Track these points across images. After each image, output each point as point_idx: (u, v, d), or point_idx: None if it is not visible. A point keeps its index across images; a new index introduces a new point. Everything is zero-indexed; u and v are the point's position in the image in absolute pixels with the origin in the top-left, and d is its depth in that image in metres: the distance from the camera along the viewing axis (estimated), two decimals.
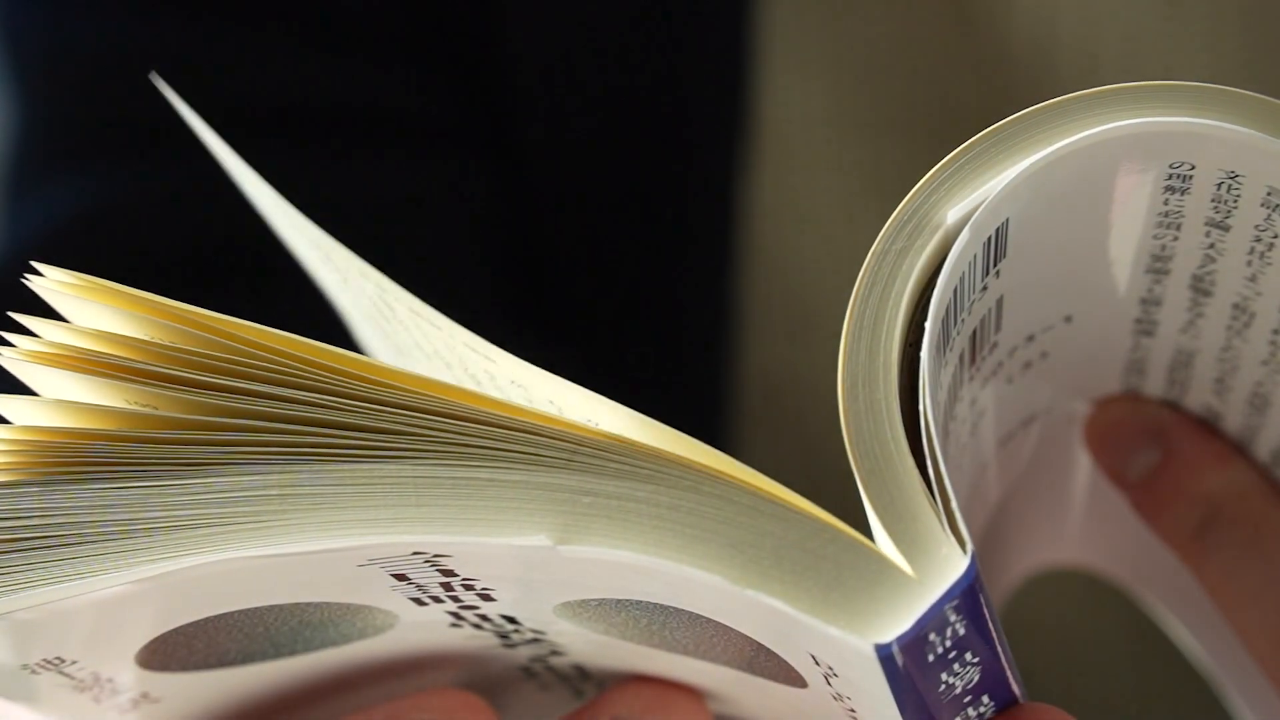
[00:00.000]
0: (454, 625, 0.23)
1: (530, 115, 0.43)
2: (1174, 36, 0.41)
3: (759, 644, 0.21)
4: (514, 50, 0.42)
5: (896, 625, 0.18)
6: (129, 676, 0.23)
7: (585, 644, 0.24)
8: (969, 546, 0.18)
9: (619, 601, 0.21)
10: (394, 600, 0.22)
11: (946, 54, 0.43)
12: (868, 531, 0.19)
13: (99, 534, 0.19)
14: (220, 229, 0.41)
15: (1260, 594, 0.27)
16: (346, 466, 0.19)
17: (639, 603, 0.21)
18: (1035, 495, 0.32)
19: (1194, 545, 0.28)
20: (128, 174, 0.41)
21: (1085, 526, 0.34)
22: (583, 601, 0.22)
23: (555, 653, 0.25)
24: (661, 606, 0.21)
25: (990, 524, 0.31)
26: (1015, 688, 0.21)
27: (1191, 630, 0.34)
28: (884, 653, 0.18)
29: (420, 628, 0.23)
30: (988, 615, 0.19)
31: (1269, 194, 0.20)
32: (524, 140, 0.43)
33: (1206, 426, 0.28)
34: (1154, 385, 0.28)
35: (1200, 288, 0.24)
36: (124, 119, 0.42)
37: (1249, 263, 0.22)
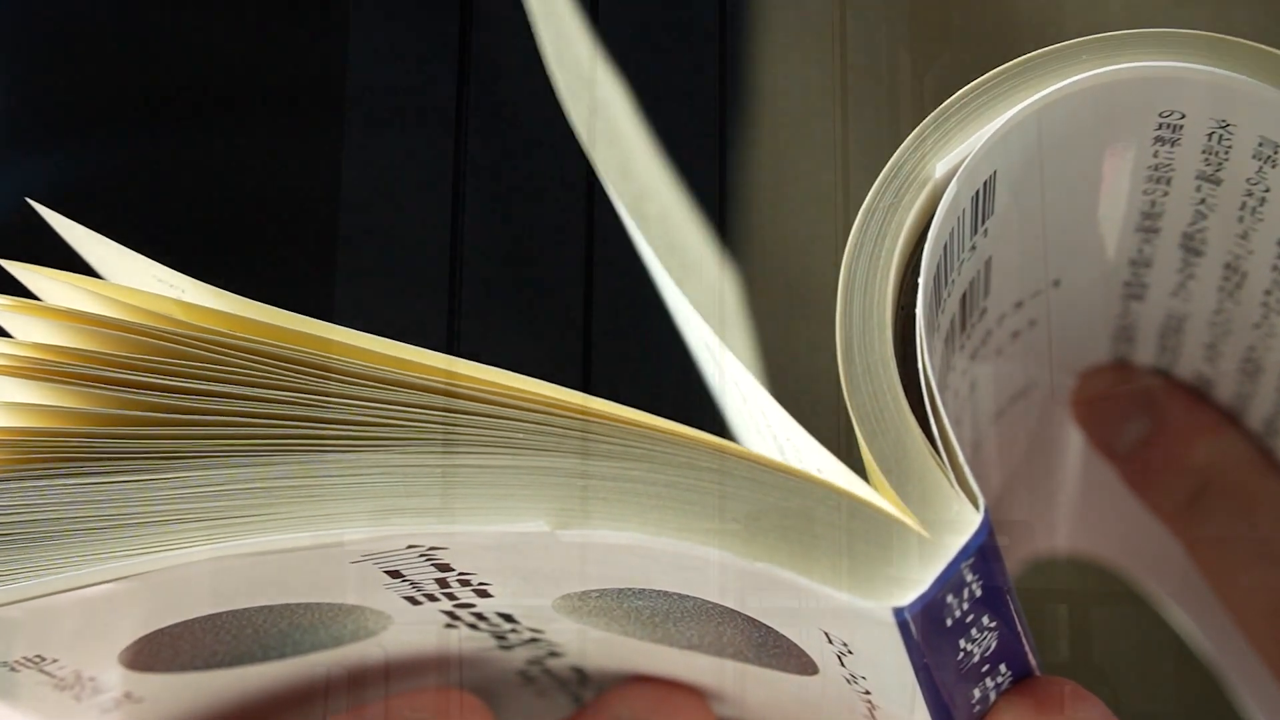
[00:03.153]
0: (449, 625, 0.22)
1: (516, 94, 0.42)
2: (1180, 5, 0.42)
3: (767, 628, 0.20)
4: (500, 27, 0.41)
5: (913, 588, 0.17)
6: (112, 676, 0.22)
7: (585, 643, 0.24)
8: (981, 502, 0.18)
9: (620, 592, 0.21)
10: (387, 600, 0.21)
11: (947, 27, 0.43)
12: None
13: (69, 530, 0.18)
14: (194, 206, 0.40)
15: (1251, 566, 0.26)
16: (331, 457, 0.19)
17: (641, 592, 0.21)
18: (1029, 478, 0.32)
19: (1185, 517, 0.28)
20: (98, 150, 0.41)
21: (1080, 509, 0.34)
22: (583, 594, 0.21)
23: (553, 654, 0.25)
24: (665, 594, 0.21)
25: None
26: (1031, 657, 0.21)
27: (1187, 611, 0.34)
28: (901, 618, 0.17)
29: (414, 629, 0.23)
30: (1002, 575, 0.18)
31: (1260, 145, 0.20)
32: (508, 119, 0.43)
33: (1197, 395, 0.28)
34: (1144, 353, 0.27)
35: (1191, 247, 0.24)
36: (96, 93, 0.41)
37: (1240, 219, 0.22)
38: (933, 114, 0.20)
